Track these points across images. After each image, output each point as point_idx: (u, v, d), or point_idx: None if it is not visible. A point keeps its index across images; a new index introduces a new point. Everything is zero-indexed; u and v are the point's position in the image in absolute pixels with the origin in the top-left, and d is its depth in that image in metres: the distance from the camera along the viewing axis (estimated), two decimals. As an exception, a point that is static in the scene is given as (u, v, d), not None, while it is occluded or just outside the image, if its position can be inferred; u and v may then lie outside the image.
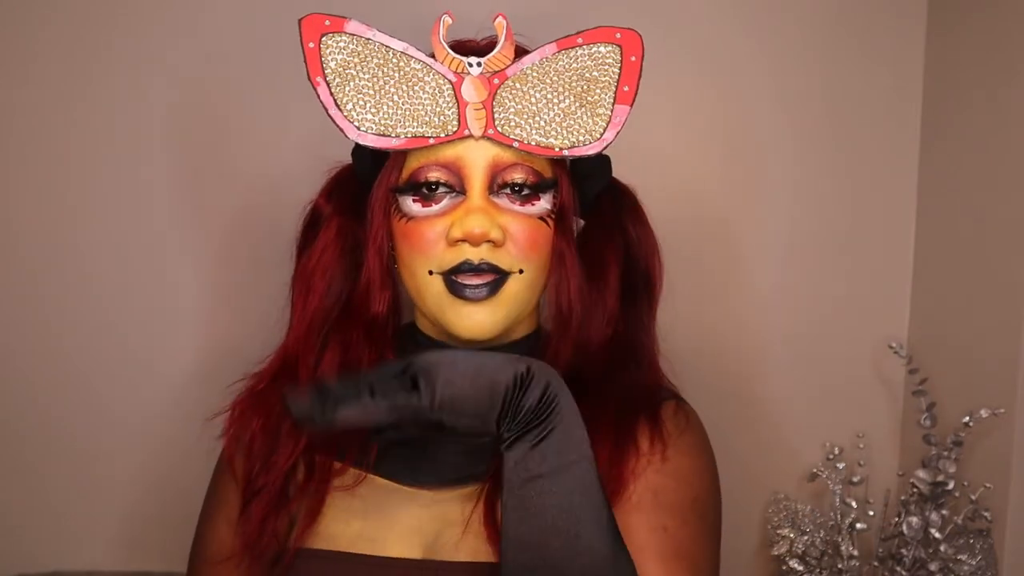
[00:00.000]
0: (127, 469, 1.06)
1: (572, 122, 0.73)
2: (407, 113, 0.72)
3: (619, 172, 0.81)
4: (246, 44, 1.03)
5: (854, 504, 1.03)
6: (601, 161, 0.79)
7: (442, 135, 0.72)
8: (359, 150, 0.77)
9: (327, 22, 0.72)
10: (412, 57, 0.72)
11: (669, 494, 0.72)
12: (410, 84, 0.72)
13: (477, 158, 0.72)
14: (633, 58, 0.73)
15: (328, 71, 0.72)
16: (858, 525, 1.02)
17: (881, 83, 1.10)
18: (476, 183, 0.72)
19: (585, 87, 0.73)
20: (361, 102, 0.72)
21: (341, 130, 0.72)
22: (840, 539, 1.03)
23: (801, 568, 1.03)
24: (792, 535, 1.05)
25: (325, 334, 0.77)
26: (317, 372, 0.76)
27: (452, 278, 0.71)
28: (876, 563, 1.04)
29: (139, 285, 1.06)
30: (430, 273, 0.72)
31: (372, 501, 0.74)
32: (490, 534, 0.70)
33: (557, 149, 0.73)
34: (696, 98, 1.09)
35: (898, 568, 1.00)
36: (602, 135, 0.73)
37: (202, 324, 1.06)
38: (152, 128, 1.04)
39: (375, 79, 0.72)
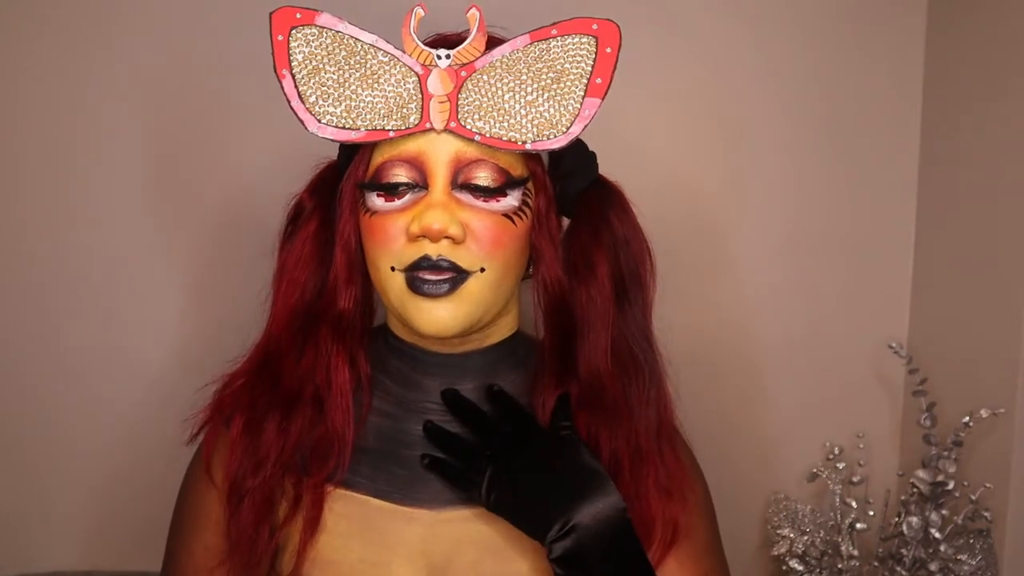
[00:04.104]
0: (126, 468, 1.06)
1: (538, 115, 0.70)
2: (369, 106, 0.70)
3: (614, 172, 0.80)
4: (230, 38, 1.03)
5: (854, 504, 1.03)
6: (585, 158, 0.77)
7: (403, 127, 0.70)
8: (344, 146, 0.76)
9: (298, 15, 0.71)
10: (380, 49, 0.71)
11: (700, 533, 0.76)
12: (375, 77, 0.70)
13: (440, 152, 0.70)
14: (608, 49, 0.69)
15: (295, 63, 0.70)
16: (858, 525, 1.02)
17: (881, 83, 1.10)
18: (439, 178, 0.70)
19: (554, 78, 0.70)
20: (324, 95, 0.71)
21: (302, 122, 0.71)
22: (840, 539, 1.03)
23: (801, 568, 1.03)
24: (792, 535, 1.05)
25: (304, 329, 0.75)
26: (299, 366, 0.75)
27: (412, 274, 0.69)
28: (876, 563, 1.04)
29: (117, 282, 1.05)
30: (392, 269, 0.71)
31: (367, 522, 0.72)
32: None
33: (520, 142, 0.70)
34: (693, 97, 1.09)
35: (898, 568, 1.00)
36: (568, 128, 0.70)
37: (186, 318, 1.06)
38: (133, 121, 1.04)
39: (340, 71, 0.71)
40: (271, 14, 0.71)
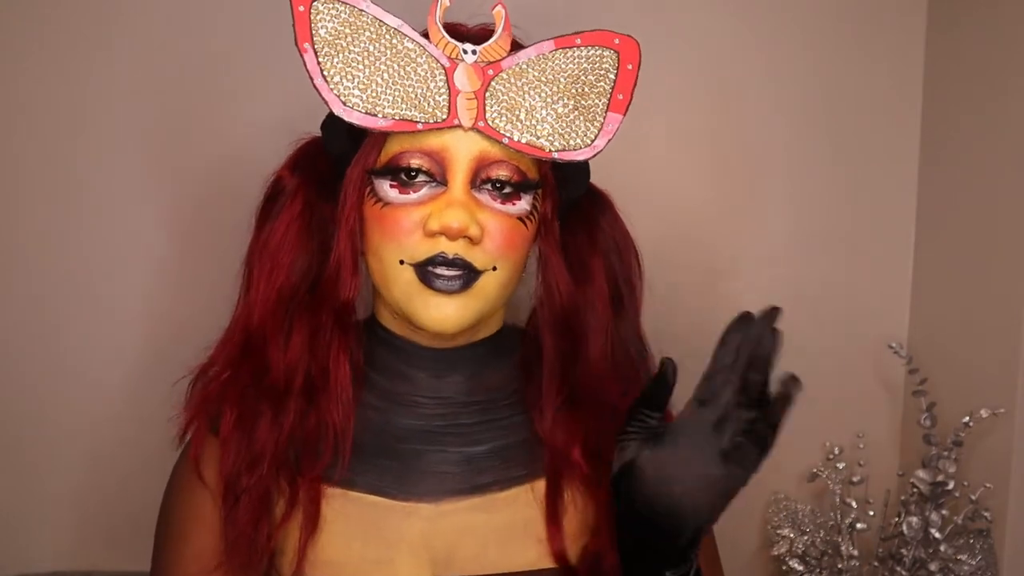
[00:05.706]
0: (126, 468, 1.06)
1: (565, 125, 0.71)
2: (397, 94, 0.68)
3: (611, 173, 0.80)
4: (229, 38, 1.02)
5: (854, 504, 1.03)
6: (582, 168, 0.77)
7: (431, 121, 0.68)
8: (331, 124, 0.73)
9: None
10: (406, 36, 0.69)
11: None
12: (402, 64, 0.69)
13: (463, 150, 0.69)
14: (630, 66, 0.71)
15: (317, 38, 0.68)
16: (858, 525, 1.02)
17: (881, 83, 1.10)
18: (459, 175, 0.69)
19: (580, 90, 0.71)
20: (349, 76, 0.68)
21: (326, 102, 0.68)
22: (840, 539, 1.03)
23: (801, 568, 1.03)
24: (792, 535, 1.05)
25: (290, 315, 0.73)
26: (287, 354, 0.72)
27: (424, 269, 0.69)
28: (876, 563, 1.04)
29: (118, 282, 1.05)
30: (400, 263, 0.69)
31: (366, 520, 0.71)
32: (553, 535, 0.71)
33: (547, 150, 0.70)
34: (693, 98, 1.09)
35: (898, 568, 1.00)
36: (593, 142, 0.71)
37: (188, 317, 1.04)
38: (132, 121, 1.03)
39: (366, 53, 0.68)
40: None
